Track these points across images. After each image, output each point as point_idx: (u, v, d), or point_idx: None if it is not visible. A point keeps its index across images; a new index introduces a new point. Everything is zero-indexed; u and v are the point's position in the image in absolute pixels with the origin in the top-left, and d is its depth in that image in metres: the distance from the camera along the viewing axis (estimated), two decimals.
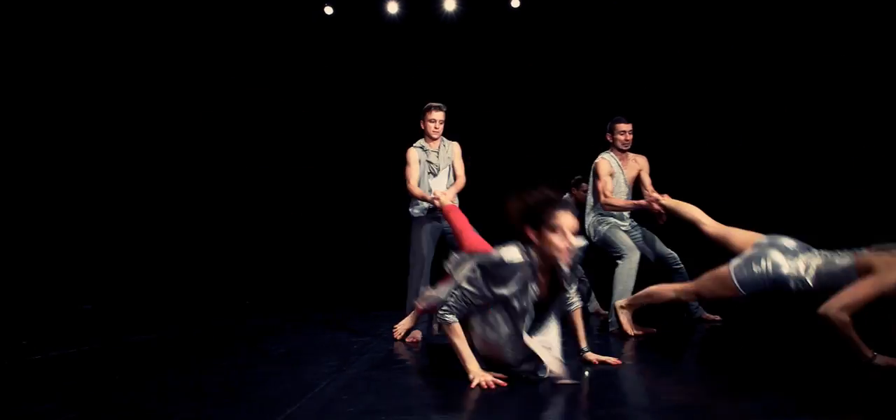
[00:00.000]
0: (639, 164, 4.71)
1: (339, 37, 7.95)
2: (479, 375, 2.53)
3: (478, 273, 2.49)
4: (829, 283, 2.96)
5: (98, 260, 7.60)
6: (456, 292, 2.55)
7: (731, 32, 6.89)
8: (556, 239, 2.40)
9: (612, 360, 2.87)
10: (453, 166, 4.50)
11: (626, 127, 4.62)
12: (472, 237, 3.32)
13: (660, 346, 3.66)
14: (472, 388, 2.50)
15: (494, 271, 2.46)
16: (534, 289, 2.49)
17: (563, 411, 2.25)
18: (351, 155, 8.19)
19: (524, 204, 2.47)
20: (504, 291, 2.44)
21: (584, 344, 2.90)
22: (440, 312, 2.61)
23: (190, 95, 7.98)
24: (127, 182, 7.85)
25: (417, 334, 4.06)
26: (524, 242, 2.51)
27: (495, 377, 2.53)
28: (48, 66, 7.21)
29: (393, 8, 7.69)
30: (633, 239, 4.51)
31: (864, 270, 2.87)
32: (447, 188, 4.35)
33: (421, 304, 2.95)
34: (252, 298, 7.74)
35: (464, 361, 2.60)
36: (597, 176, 4.58)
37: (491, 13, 7.74)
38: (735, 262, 3.29)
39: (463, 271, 2.56)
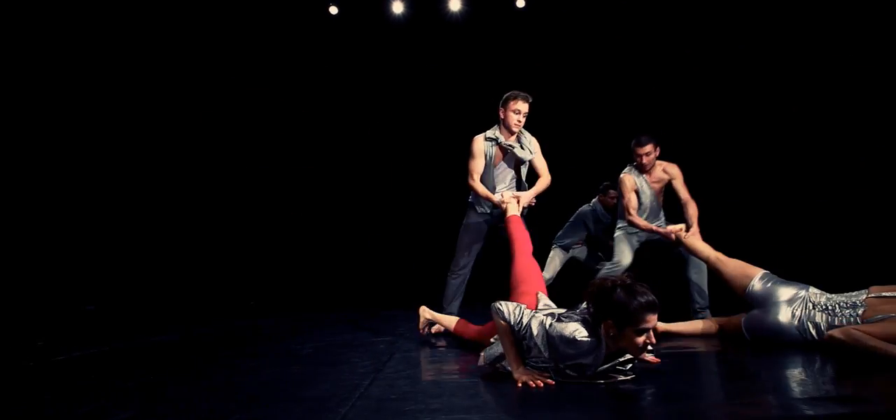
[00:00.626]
0: (668, 173, 4.71)
1: (343, 37, 7.94)
2: (524, 376, 2.57)
3: (544, 339, 2.51)
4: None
5: (98, 260, 7.54)
6: (523, 321, 2.57)
7: (743, 31, 6.94)
8: (638, 339, 2.38)
9: (650, 358, 2.90)
10: (533, 164, 4.12)
11: (643, 149, 4.61)
12: (525, 262, 3.27)
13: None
14: (519, 387, 2.54)
15: (562, 347, 2.48)
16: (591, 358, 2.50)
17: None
18: (356, 155, 8.19)
19: (611, 301, 2.38)
20: (563, 362, 2.50)
21: None
22: (499, 307, 2.63)
23: (195, 96, 7.94)
24: (130, 182, 7.79)
25: (440, 327, 4.05)
26: (596, 322, 2.48)
27: (541, 377, 2.56)
28: (50, 65, 7.13)
29: (398, 8, 7.69)
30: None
31: (876, 315, 2.94)
32: (515, 190, 4.07)
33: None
34: (256, 299, 7.73)
35: (510, 361, 2.64)
36: (621, 192, 4.72)
37: (496, 13, 7.77)
38: (745, 319, 3.50)
39: (533, 322, 2.56)
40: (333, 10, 7.74)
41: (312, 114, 8.16)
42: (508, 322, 2.62)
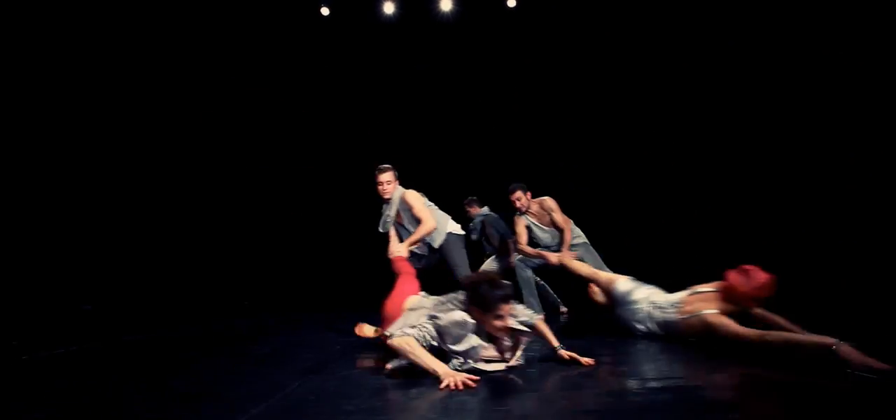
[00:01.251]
0: (545, 208, 5.33)
1: (335, 37, 7.97)
2: (449, 376, 2.57)
3: (437, 331, 2.81)
4: (669, 330, 3.52)
5: (100, 261, 7.66)
6: (420, 334, 2.79)
7: (729, 34, 6.85)
8: (496, 323, 2.81)
9: (584, 359, 2.90)
10: (411, 215, 4.55)
11: (513, 197, 5.28)
12: (402, 279, 3.77)
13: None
14: (442, 389, 2.52)
15: (454, 330, 2.79)
16: (481, 339, 2.86)
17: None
18: (348, 155, 8.22)
19: (477, 294, 2.82)
20: (454, 347, 2.79)
21: (556, 343, 3.06)
22: (399, 344, 2.77)
23: (187, 97, 8.04)
24: (128, 183, 7.90)
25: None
26: (468, 309, 2.86)
27: (466, 377, 2.56)
28: (48, 67, 7.26)
29: (389, 8, 7.70)
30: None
31: (691, 324, 3.34)
32: (403, 238, 4.56)
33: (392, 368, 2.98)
34: (250, 299, 7.80)
35: (430, 367, 2.65)
36: (516, 232, 5.43)
37: (487, 13, 7.74)
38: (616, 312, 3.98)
39: (427, 326, 2.82)
40: (325, 11, 7.79)
41: (305, 114, 8.22)
42: (410, 346, 2.73)
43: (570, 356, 2.94)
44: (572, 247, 5.28)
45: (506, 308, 2.79)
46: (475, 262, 5.79)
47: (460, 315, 2.80)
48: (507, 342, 2.92)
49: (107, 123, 7.74)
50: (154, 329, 5.32)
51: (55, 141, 7.40)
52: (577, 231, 5.41)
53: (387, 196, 4.60)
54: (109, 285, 7.62)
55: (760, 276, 3.26)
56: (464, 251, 4.63)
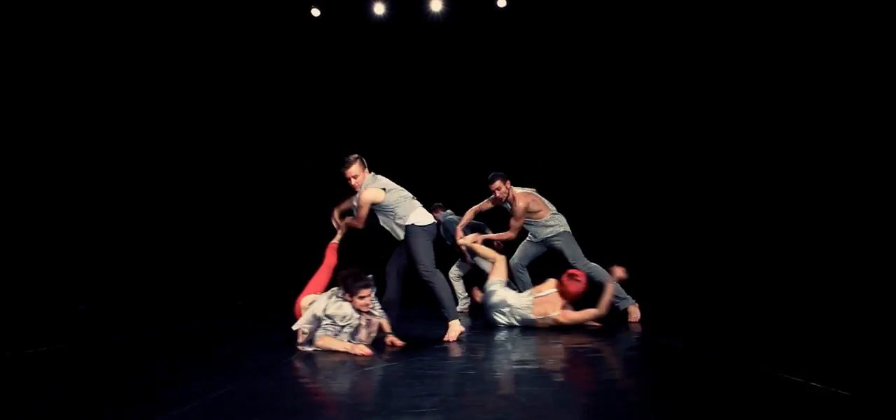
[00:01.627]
0: (516, 204, 5.29)
1: (326, 38, 8.00)
2: (356, 349, 3.58)
3: (329, 322, 3.74)
4: (526, 323, 4.70)
5: (99, 261, 7.75)
6: (321, 325, 3.75)
7: (716, 34, 6.79)
8: (358, 302, 3.79)
9: (398, 342, 3.94)
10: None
11: (492, 186, 5.27)
12: (320, 271, 4.43)
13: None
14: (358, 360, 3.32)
15: (338, 313, 3.75)
16: (357, 318, 3.84)
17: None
18: (343, 155, 8.22)
19: (343, 280, 3.82)
20: (342, 324, 3.76)
21: (388, 329, 4.07)
22: (316, 338, 3.74)
23: (180, 98, 8.11)
24: (125, 183, 7.99)
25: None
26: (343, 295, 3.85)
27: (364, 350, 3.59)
28: (42, 67, 7.36)
29: (379, 9, 7.71)
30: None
31: (545, 322, 4.59)
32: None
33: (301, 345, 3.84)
34: (243, 299, 7.85)
35: (344, 350, 3.60)
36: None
37: (477, 13, 7.72)
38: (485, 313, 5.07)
39: (316, 312, 3.78)
40: (315, 12, 7.82)
41: (296, 115, 8.26)
42: (326, 342, 3.68)
43: (391, 341, 3.94)
44: (554, 237, 5.27)
45: (365, 292, 3.77)
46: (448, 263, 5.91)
47: (337, 304, 3.76)
48: (373, 327, 3.92)
49: (103, 124, 7.84)
50: (139, 329, 5.37)
51: (52, 142, 7.52)
52: (560, 220, 5.33)
53: (355, 189, 4.55)
54: (107, 285, 7.71)
55: (584, 278, 4.62)
56: (428, 243, 4.34)
